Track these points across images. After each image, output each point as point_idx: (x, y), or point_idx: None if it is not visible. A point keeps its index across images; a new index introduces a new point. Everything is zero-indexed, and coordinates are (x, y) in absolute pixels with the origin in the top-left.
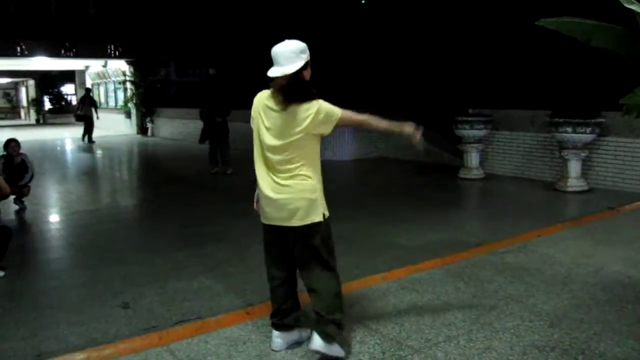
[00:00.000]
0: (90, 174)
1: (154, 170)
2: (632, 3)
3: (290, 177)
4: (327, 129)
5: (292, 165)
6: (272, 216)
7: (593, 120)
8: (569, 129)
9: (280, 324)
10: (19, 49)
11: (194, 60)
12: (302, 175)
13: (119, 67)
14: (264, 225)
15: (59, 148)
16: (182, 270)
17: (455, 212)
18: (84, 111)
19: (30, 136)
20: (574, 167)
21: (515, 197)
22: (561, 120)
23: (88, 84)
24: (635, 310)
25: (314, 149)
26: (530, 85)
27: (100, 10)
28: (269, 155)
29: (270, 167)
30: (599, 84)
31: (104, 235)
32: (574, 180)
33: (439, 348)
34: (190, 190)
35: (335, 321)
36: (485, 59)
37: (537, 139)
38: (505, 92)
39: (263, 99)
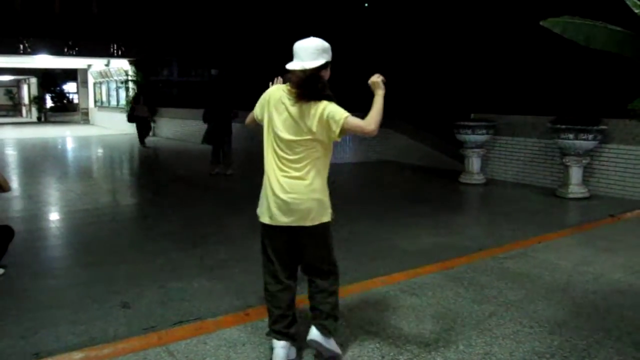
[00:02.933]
0: (91, 173)
1: (155, 170)
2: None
3: (299, 178)
4: (334, 133)
5: (301, 164)
6: (281, 218)
7: (595, 127)
8: (571, 136)
9: (286, 333)
10: (22, 46)
11: (196, 60)
12: (310, 175)
13: (122, 66)
14: (271, 227)
15: (59, 146)
16: (182, 271)
17: (455, 216)
18: (139, 111)
19: (31, 134)
20: (576, 173)
21: (516, 203)
22: (563, 126)
23: (90, 83)
24: (635, 318)
25: (325, 152)
26: (532, 91)
27: (104, 9)
28: (279, 151)
29: (280, 164)
30: (601, 91)
31: (104, 235)
32: (575, 187)
33: (439, 353)
34: (191, 191)
35: (336, 317)
36: (487, 64)
37: (539, 145)
38: (508, 97)
39: (278, 93)
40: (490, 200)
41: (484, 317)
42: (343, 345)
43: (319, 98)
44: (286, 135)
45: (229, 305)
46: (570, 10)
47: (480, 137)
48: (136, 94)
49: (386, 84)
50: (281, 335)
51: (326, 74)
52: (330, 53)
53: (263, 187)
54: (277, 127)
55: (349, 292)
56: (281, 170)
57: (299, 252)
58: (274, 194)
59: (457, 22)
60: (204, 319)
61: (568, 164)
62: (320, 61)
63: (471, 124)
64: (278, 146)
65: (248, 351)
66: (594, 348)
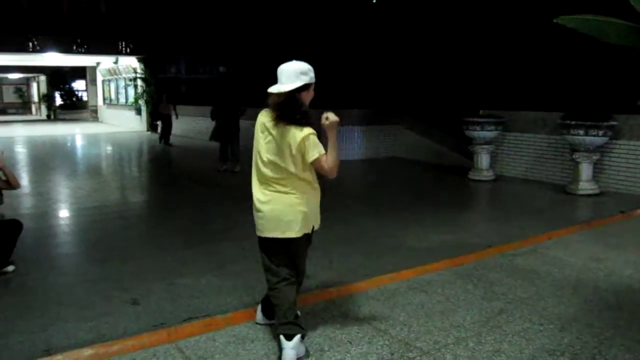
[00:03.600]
0: (100, 171)
1: (163, 167)
2: None
3: (285, 193)
4: (305, 163)
5: (286, 181)
6: (268, 229)
7: (605, 123)
8: (581, 132)
9: (295, 323)
10: (31, 44)
11: (204, 57)
12: (296, 190)
13: (130, 63)
14: (261, 238)
15: (69, 144)
16: (191, 268)
17: (464, 213)
18: (163, 109)
19: (41, 132)
20: (586, 170)
21: (525, 199)
22: (573, 122)
23: (99, 81)
24: None
25: (307, 172)
26: (542, 86)
27: (112, 7)
28: (264, 170)
29: (265, 181)
30: (611, 87)
31: (113, 232)
32: (585, 184)
33: (448, 350)
34: (199, 188)
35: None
36: (496, 60)
37: (549, 141)
38: (517, 93)
39: (262, 117)
40: (500, 197)
41: (493, 314)
42: (352, 343)
43: (294, 120)
44: (269, 156)
45: (238, 301)
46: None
47: (489, 134)
48: (161, 93)
49: (403, 95)
50: (294, 328)
51: (307, 95)
52: (311, 75)
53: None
54: (262, 149)
55: (357, 289)
56: (267, 188)
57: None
58: (257, 209)
59: (467, 18)
60: (213, 315)
61: (578, 160)
62: (297, 83)
63: (480, 120)
64: (263, 166)
65: (257, 348)
66: (604, 345)
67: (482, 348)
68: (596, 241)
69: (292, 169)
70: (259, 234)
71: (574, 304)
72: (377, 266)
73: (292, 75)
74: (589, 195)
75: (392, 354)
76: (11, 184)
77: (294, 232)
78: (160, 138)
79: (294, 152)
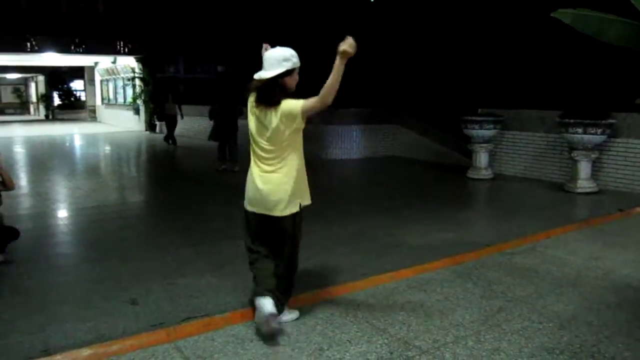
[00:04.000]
0: (98, 170)
1: (162, 166)
2: None
3: (273, 172)
4: (299, 123)
5: (274, 160)
6: (256, 204)
7: (604, 121)
8: (580, 130)
9: (271, 290)
10: (29, 44)
11: (202, 57)
12: (282, 169)
13: (128, 63)
14: (248, 211)
15: (67, 144)
16: (190, 267)
17: (463, 212)
18: (168, 109)
19: (39, 132)
20: (584, 168)
21: (524, 198)
22: (571, 120)
23: (97, 81)
24: None
25: (292, 145)
26: (540, 85)
27: (110, 6)
28: (255, 148)
29: (257, 159)
30: (609, 85)
31: (112, 232)
32: (584, 182)
33: (447, 349)
34: (198, 187)
35: (283, 302)
36: (494, 58)
37: (547, 139)
38: (515, 92)
39: (251, 97)
40: (498, 196)
41: (492, 312)
42: (351, 342)
43: (272, 103)
44: (256, 137)
45: (237, 301)
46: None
47: (487, 132)
48: (166, 92)
49: (402, 93)
50: (266, 292)
51: (290, 80)
52: (293, 60)
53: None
54: (251, 129)
55: (356, 288)
56: (257, 165)
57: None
58: (253, 186)
59: (464, 16)
60: (212, 315)
61: (576, 158)
62: (278, 70)
63: (478, 118)
64: (253, 143)
65: (256, 347)
66: (604, 344)
67: (481, 347)
68: (595, 239)
69: (273, 146)
70: (246, 207)
71: (573, 302)
72: (376, 265)
73: (275, 62)
74: (587, 194)
75: (391, 353)
76: (7, 185)
77: (278, 211)
78: (167, 138)
79: (274, 126)
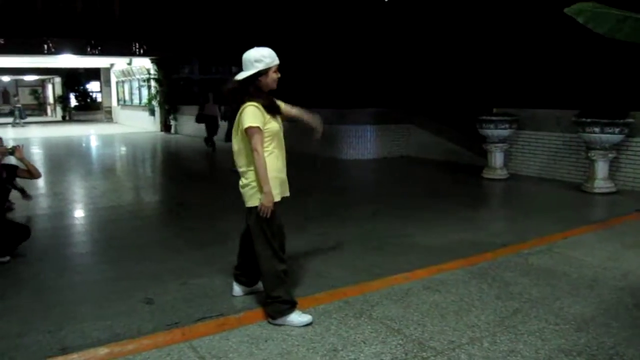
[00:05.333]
0: (114, 171)
1: (177, 167)
2: None
3: (241, 166)
4: (242, 136)
5: (241, 156)
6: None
7: (622, 121)
8: (597, 129)
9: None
10: (46, 46)
11: (217, 58)
12: (248, 166)
13: (144, 65)
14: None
15: (84, 145)
16: (205, 267)
17: (478, 212)
18: (209, 110)
19: (56, 133)
20: (602, 168)
21: (540, 198)
22: (589, 120)
23: (113, 82)
24: None
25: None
26: (556, 84)
27: (126, 8)
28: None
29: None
30: (627, 83)
31: (127, 232)
32: (601, 182)
33: (463, 350)
34: (213, 188)
35: (271, 299)
36: (510, 57)
37: (563, 139)
38: (531, 91)
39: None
40: (514, 196)
41: (508, 313)
42: (366, 343)
43: (235, 104)
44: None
45: (251, 301)
46: None
47: (503, 132)
48: (206, 92)
49: (416, 93)
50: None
51: (266, 79)
52: (266, 61)
53: None
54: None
55: (371, 288)
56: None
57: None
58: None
59: (480, 15)
60: (227, 315)
61: (594, 158)
62: (250, 72)
63: (494, 118)
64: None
65: (270, 347)
66: (622, 346)
67: (497, 348)
68: (612, 240)
69: (237, 147)
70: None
71: (590, 303)
72: (391, 265)
73: (248, 63)
74: (604, 194)
75: (406, 354)
76: (32, 173)
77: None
78: (207, 141)
79: (238, 125)
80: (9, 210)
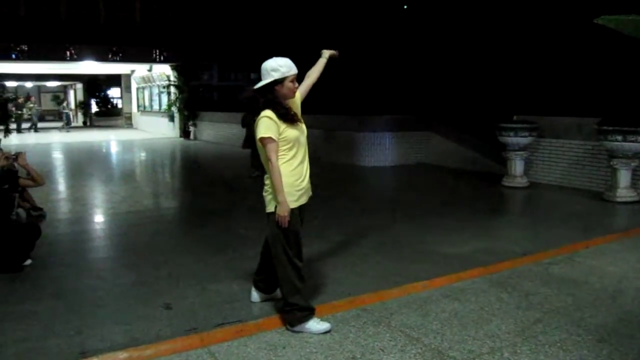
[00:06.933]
0: (134, 176)
1: (196, 173)
2: None
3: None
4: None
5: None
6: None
7: None
8: (619, 137)
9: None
10: (68, 53)
11: (236, 65)
12: (268, 177)
13: (164, 71)
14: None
15: (104, 150)
16: (223, 273)
17: (498, 220)
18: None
19: (77, 138)
20: (624, 176)
21: (561, 207)
22: (610, 128)
23: (133, 88)
24: None
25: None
26: (577, 91)
27: (147, 16)
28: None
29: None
30: None
31: (147, 237)
32: (624, 191)
33: None
34: (231, 194)
35: (288, 306)
36: (530, 64)
37: (585, 147)
38: (552, 98)
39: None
40: (534, 204)
41: (529, 323)
42: (384, 351)
43: (252, 113)
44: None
45: (269, 307)
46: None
47: (522, 140)
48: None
49: (437, 100)
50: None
51: (281, 88)
52: (282, 70)
53: None
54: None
55: (389, 296)
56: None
57: None
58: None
59: (501, 23)
60: (245, 321)
61: (616, 166)
62: (267, 80)
63: (513, 125)
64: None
65: (289, 354)
66: None
67: (517, 358)
68: (635, 250)
69: (261, 154)
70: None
71: (612, 314)
72: (410, 273)
73: (265, 73)
74: (627, 203)
75: None
76: (36, 180)
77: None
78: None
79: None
80: (42, 218)
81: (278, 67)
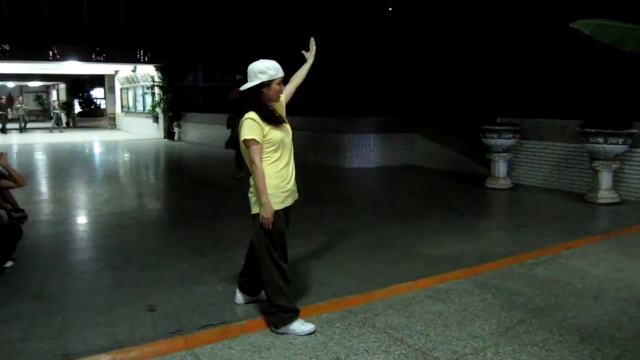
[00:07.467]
0: (118, 177)
1: (180, 174)
2: None
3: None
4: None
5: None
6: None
7: (625, 131)
8: (601, 140)
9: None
10: (51, 53)
11: (221, 66)
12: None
13: (148, 72)
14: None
15: (87, 151)
16: (208, 275)
17: (482, 222)
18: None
19: (60, 139)
20: (605, 178)
21: (543, 208)
22: (592, 130)
23: (117, 89)
24: None
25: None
26: (560, 94)
27: (131, 16)
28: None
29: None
30: (630, 94)
31: (131, 238)
32: (605, 192)
33: None
34: (216, 195)
35: (273, 307)
36: (514, 67)
37: (567, 149)
38: (535, 101)
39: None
40: (517, 206)
41: (512, 324)
42: (369, 352)
43: (238, 114)
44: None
45: (253, 309)
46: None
47: (506, 141)
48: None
49: (420, 102)
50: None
51: (268, 90)
52: (270, 72)
53: None
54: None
55: (374, 297)
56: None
57: None
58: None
59: (483, 25)
60: (229, 323)
61: (597, 168)
62: (252, 83)
63: (497, 128)
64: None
65: (273, 356)
66: (626, 357)
67: (500, 358)
68: (616, 251)
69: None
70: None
71: (594, 314)
72: (394, 274)
73: (252, 75)
74: (608, 204)
75: None
76: (17, 181)
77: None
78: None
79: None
80: (23, 219)
81: (266, 69)
